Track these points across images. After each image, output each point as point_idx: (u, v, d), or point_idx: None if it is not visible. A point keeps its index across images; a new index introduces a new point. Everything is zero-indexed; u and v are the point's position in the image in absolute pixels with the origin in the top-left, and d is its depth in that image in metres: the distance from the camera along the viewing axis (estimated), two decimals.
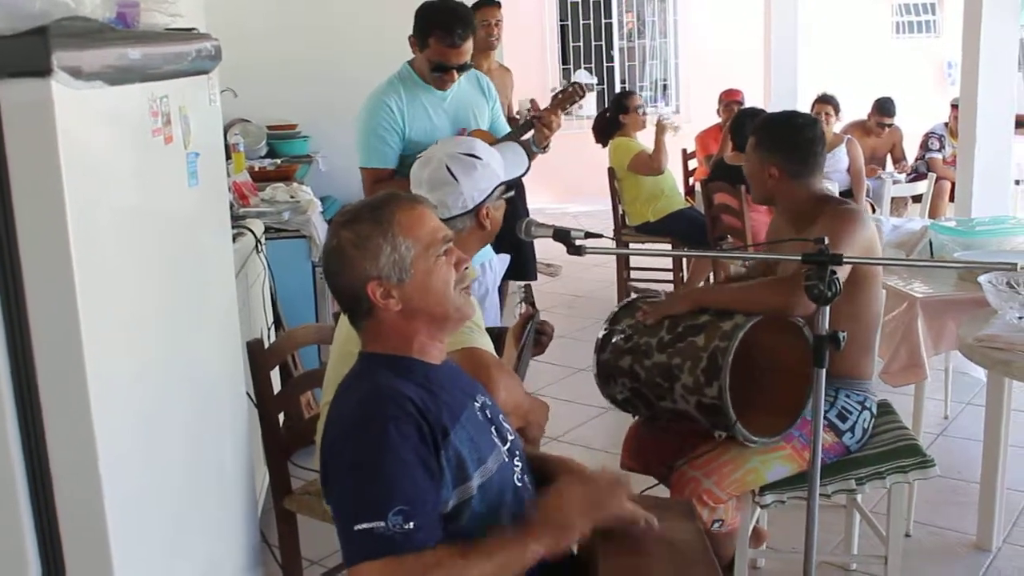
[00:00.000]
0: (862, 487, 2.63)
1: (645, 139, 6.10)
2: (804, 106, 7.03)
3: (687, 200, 6.41)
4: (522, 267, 4.59)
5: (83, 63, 1.43)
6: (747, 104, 6.73)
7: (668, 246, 6.03)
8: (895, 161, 7.52)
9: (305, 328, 3.07)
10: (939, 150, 7.27)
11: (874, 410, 2.75)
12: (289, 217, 4.08)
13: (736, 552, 2.70)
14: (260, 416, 2.63)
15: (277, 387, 2.85)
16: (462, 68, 3.46)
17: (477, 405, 1.82)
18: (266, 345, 2.80)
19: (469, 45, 3.43)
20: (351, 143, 3.53)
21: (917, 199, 6.84)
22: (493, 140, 3.22)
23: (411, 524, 1.56)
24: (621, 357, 2.62)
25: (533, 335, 2.65)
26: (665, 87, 11.54)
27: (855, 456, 2.68)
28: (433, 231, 1.78)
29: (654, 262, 6.55)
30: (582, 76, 10.83)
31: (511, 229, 2.33)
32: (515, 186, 2.53)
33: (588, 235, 2.13)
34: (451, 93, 3.53)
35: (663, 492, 2.72)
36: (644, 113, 6.13)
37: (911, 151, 7.59)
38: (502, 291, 4.79)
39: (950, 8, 11.47)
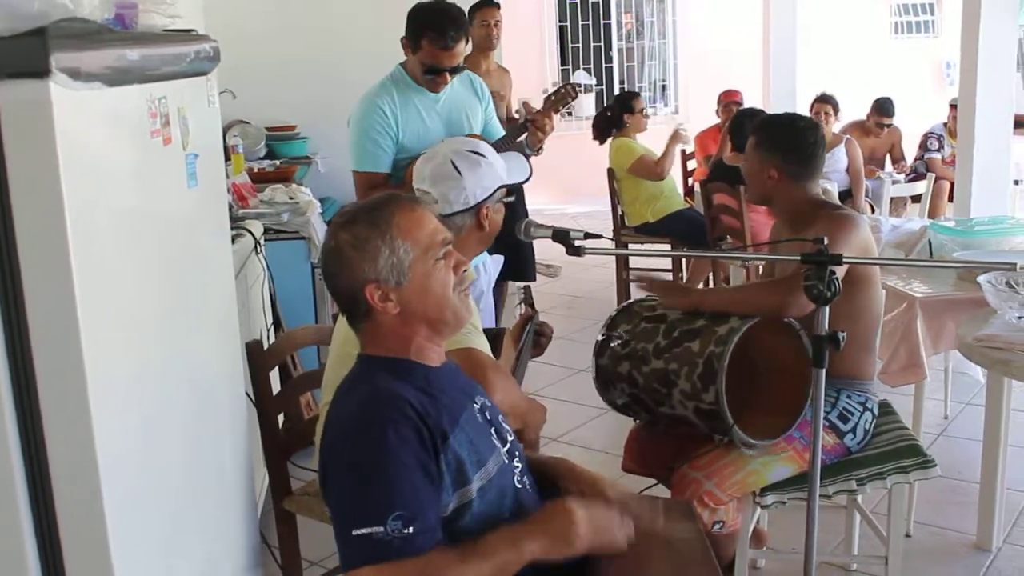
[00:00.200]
0: (863, 487, 2.62)
1: (644, 140, 6.10)
2: (803, 106, 7.04)
3: (686, 201, 6.41)
4: (521, 268, 4.58)
5: (81, 64, 1.43)
6: (746, 105, 6.73)
7: (667, 247, 6.03)
8: (894, 161, 7.52)
9: (304, 329, 3.06)
10: (938, 150, 7.27)
11: (875, 411, 2.75)
12: (288, 218, 4.08)
13: (736, 553, 2.70)
14: (259, 417, 2.63)
15: (276, 388, 2.84)
16: (455, 70, 3.43)
17: (476, 407, 1.82)
18: (265, 346, 2.80)
19: (462, 47, 3.40)
20: None
21: (916, 199, 6.84)
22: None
23: (410, 529, 1.55)
24: (619, 363, 2.62)
25: (532, 336, 2.65)
26: (664, 88, 11.55)
27: (856, 457, 2.68)
28: (432, 234, 1.76)
29: (653, 263, 6.56)
30: (581, 77, 10.85)
31: (510, 230, 2.32)
32: (515, 190, 2.52)
33: (587, 236, 2.13)
34: (444, 95, 3.50)
35: (663, 492, 2.72)
36: (647, 116, 6.14)
37: (910, 151, 7.59)
38: (501, 292, 4.79)
39: (949, 8, 11.49)
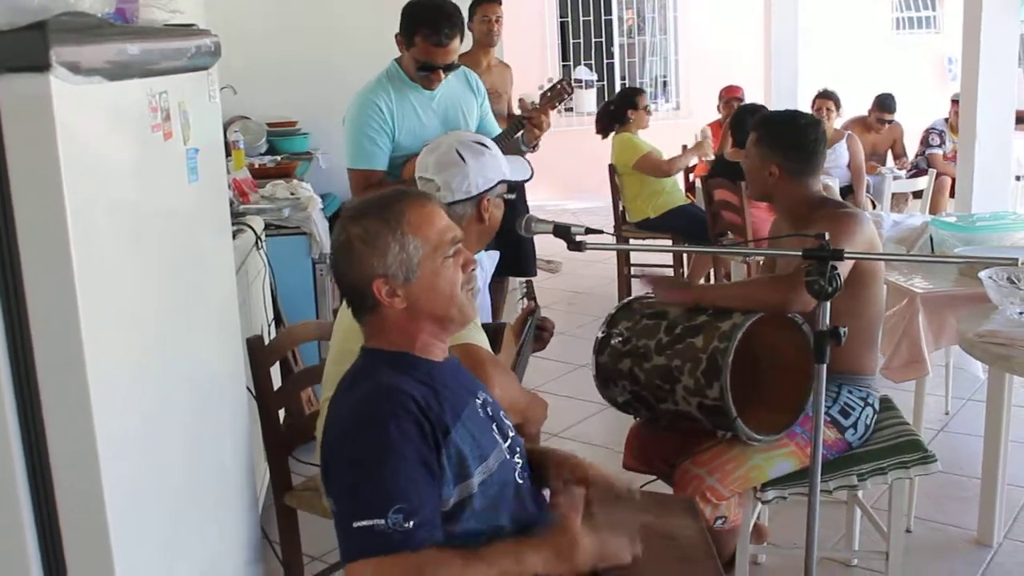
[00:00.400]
0: (863, 483, 2.63)
1: (645, 137, 6.10)
2: (804, 102, 7.04)
3: (687, 196, 6.41)
4: (522, 264, 4.58)
5: (82, 58, 1.43)
6: (747, 100, 6.73)
7: (669, 242, 6.03)
8: (895, 157, 7.52)
9: (305, 324, 3.07)
10: (939, 146, 7.27)
11: (876, 406, 2.75)
12: (289, 214, 4.07)
13: (737, 548, 2.71)
14: (260, 412, 2.63)
15: (277, 383, 2.84)
16: (449, 67, 3.39)
17: (478, 402, 1.82)
18: (266, 341, 2.80)
19: (456, 44, 3.36)
20: None
21: (918, 195, 6.84)
22: None
23: (410, 523, 1.55)
24: (620, 360, 2.62)
25: (533, 331, 2.65)
26: (665, 84, 11.54)
27: (857, 452, 2.68)
28: (442, 231, 1.76)
29: (655, 258, 6.55)
30: (582, 73, 10.85)
31: (511, 226, 2.32)
32: (516, 188, 2.52)
33: (588, 231, 2.12)
34: (440, 92, 3.47)
35: (665, 489, 2.72)
36: (649, 112, 6.14)
37: (911, 147, 7.58)
38: (502, 287, 4.79)
39: (950, 4, 11.48)
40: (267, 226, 3.90)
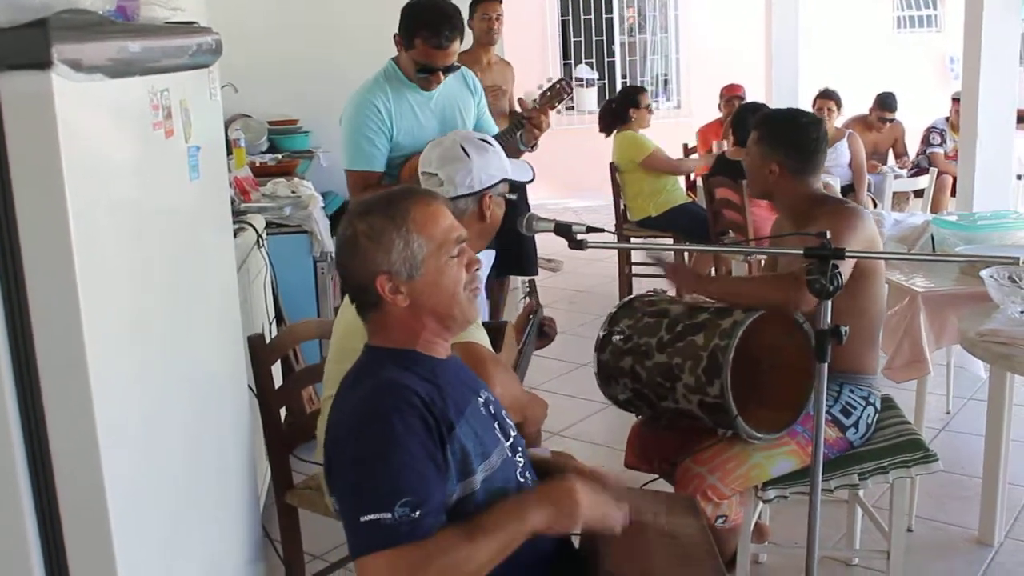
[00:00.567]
0: (864, 482, 2.62)
1: (647, 135, 6.10)
2: (805, 101, 7.03)
3: (689, 195, 6.41)
4: (523, 262, 4.58)
5: (83, 56, 1.43)
6: (748, 99, 6.73)
7: (670, 241, 6.03)
8: (897, 156, 7.51)
9: (306, 323, 3.06)
10: (940, 145, 7.26)
11: (878, 405, 2.75)
12: (290, 212, 4.07)
13: (738, 547, 2.70)
14: (261, 411, 2.63)
15: (278, 382, 2.84)
16: (448, 69, 3.36)
17: (481, 400, 1.82)
18: (267, 340, 2.80)
19: (456, 46, 3.33)
20: None
21: (919, 194, 6.83)
22: None
23: (417, 513, 1.56)
24: (621, 358, 2.62)
25: (536, 329, 2.65)
26: (666, 82, 11.54)
27: (858, 451, 2.68)
28: (448, 230, 1.77)
29: None
30: (583, 71, 10.84)
31: (511, 225, 2.32)
32: (518, 188, 2.52)
33: (590, 229, 2.12)
34: (437, 91, 3.44)
35: (666, 487, 2.72)
36: (651, 111, 6.15)
37: (912, 146, 7.58)
38: (503, 286, 4.79)
39: (951, 3, 11.48)
40: (268, 224, 3.89)
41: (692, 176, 7.10)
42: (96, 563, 1.52)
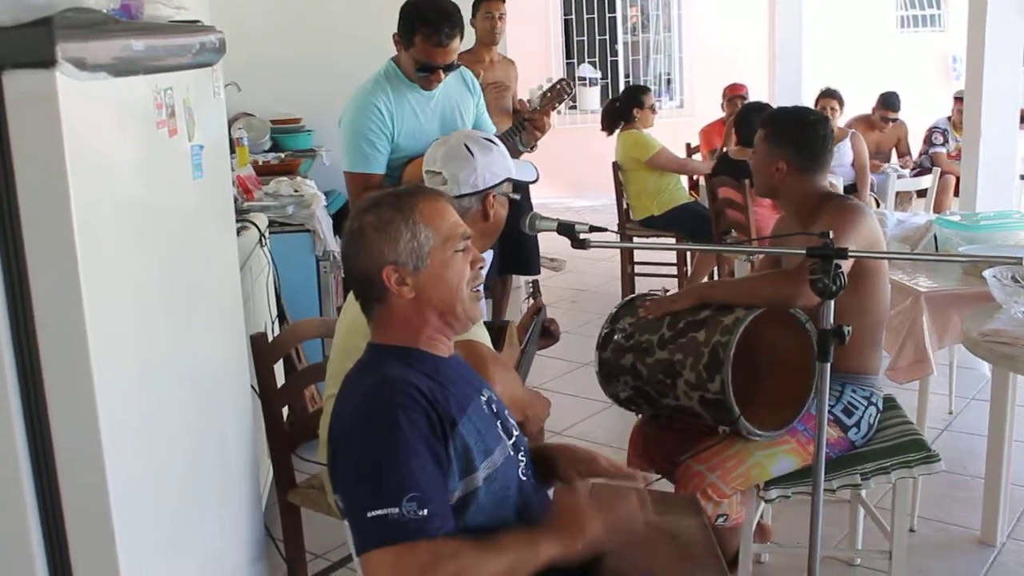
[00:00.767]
0: (867, 482, 2.62)
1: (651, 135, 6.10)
2: (808, 100, 7.02)
3: (691, 194, 6.41)
4: (525, 262, 4.58)
5: (87, 54, 1.43)
6: (751, 98, 6.72)
7: (672, 240, 6.03)
8: (900, 155, 7.51)
9: (309, 322, 3.07)
10: (943, 144, 7.26)
11: (880, 405, 2.75)
12: (293, 211, 4.08)
13: (740, 546, 2.70)
14: (264, 410, 2.63)
15: (281, 381, 2.85)
16: (449, 68, 3.34)
17: (483, 399, 1.82)
18: (270, 339, 2.80)
19: (456, 44, 3.30)
20: None
21: (922, 194, 6.83)
22: None
23: (425, 511, 1.56)
24: (623, 355, 2.62)
25: (539, 329, 2.65)
26: (669, 82, 11.53)
27: (860, 451, 2.67)
28: (453, 226, 1.79)
29: (658, 256, 6.54)
30: (586, 70, 10.84)
31: (514, 224, 2.32)
32: (521, 188, 2.52)
33: (592, 228, 2.12)
34: (437, 92, 3.42)
35: (667, 487, 2.72)
36: (655, 111, 6.15)
37: (915, 145, 7.57)
38: (505, 286, 4.80)
39: (955, 2, 11.46)
40: (271, 223, 3.90)
41: (695, 175, 7.11)
42: (99, 561, 1.52)
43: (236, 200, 3.74)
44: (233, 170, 4.00)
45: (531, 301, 2.77)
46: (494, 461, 1.74)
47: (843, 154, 6.34)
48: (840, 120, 6.80)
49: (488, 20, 5.06)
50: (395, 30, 3.36)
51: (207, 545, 2.09)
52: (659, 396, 2.58)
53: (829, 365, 2.03)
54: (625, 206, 6.17)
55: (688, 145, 7.33)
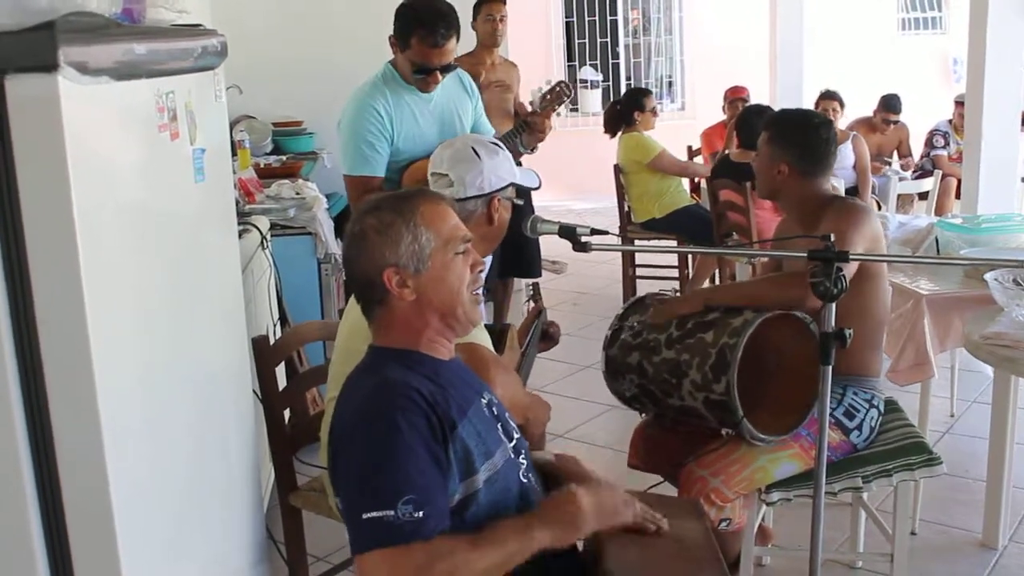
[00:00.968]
0: (868, 485, 2.62)
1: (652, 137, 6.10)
2: (809, 102, 7.03)
3: (692, 197, 6.42)
4: (527, 264, 4.58)
5: (89, 58, 1.43)
6: (752, 101, 6.72)
7: (674, 243, 6.03)
8: (901, 158, 7.51)
9: (310, 324, 3.07)
10: (944, 147, 7.26)
11: (881, 408, 2.74)
12: (295, 214, 4.08)
13: (742, 550, 2.70)
14: (265, 412, 2.63)
15: (282, 383, 2.85)
16: (446, 69, 3.32)
17: (484, 402, 1.83)
18: (271, 341, 2.80)
19: (453, 44, 3.27)
20: None
21: (923, 196, 6.83)
22: None
23: (420, 513, 1.56)
24: (629, 353, 2.62)
25: (539, 332, 2.65)
26: (670, 84, 11.54)
27: (862, 454, 2.67)
28: (454, 228, 1.80)
29: (660, 259, 6.55)
30: (587, 73, 10.84)
31: (516, 227, 2.32)
32: (523, 193, 2.52)
33: (594, 231, 2.13)
34: (436, 94, 3.39)
35: (670, 490, 2.72)
36: (656, 114, 6.15)
37: (917, 148, 7.57)
38: (506, 288, 4.80)
39: (956, 5, 11.47)
40: (272, 226, 3.90)
41: (696, 178, 7.11)
42: (100, 563, 1.52)
43: (238, 203, 3.74)
44: (235, 173, 4.00)
45: (532, 304, 2.77)
46: (495, 463, 1.74)
47: (844, 156, 6.33)
48: (841, 122, 6.81)
49: (489, 22, 5.06)
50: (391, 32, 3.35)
51: (209, 548, 2.09)
52: (664, 396, 2.58)
53: (830, 368, 2.03)
54: (626, 209, 6.17)
55: (689, 148, 7.32)
